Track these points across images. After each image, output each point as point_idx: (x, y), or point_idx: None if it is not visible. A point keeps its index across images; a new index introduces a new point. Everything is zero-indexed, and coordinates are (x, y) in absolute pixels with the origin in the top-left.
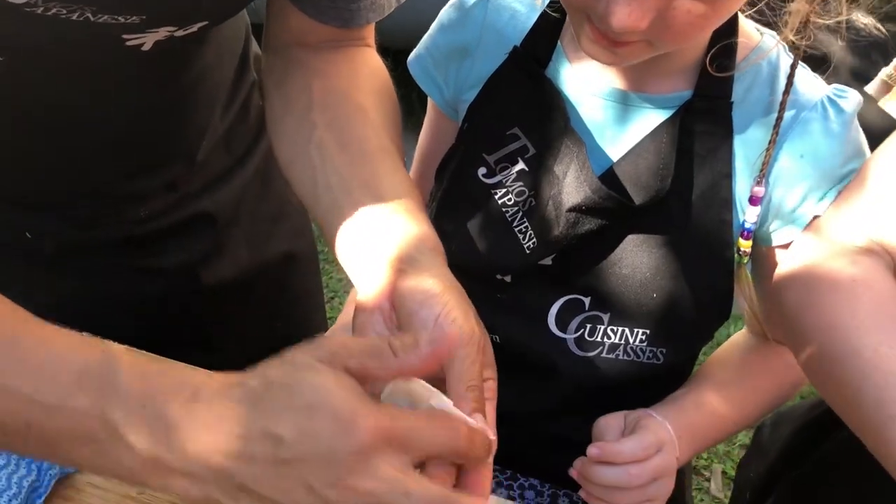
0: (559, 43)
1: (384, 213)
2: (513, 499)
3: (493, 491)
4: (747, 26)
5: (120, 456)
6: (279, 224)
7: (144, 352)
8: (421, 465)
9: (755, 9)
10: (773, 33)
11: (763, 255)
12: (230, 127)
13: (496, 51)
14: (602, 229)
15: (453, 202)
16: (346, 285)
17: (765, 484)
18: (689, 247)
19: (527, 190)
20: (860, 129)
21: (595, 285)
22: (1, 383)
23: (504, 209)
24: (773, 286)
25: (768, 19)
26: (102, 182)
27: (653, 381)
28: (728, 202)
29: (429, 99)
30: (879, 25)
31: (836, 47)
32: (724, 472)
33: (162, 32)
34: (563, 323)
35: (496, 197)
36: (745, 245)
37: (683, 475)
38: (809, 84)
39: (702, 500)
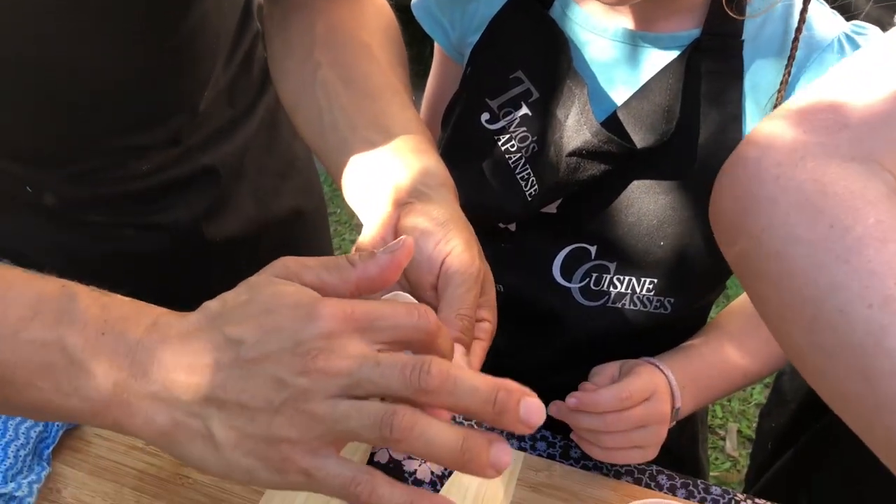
0: None
1: (392, 149)
2: (524, 450)
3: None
4: None
5: (79, 386)
6: (286, 180)
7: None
8: None
9: None
10: None
11: None
12: (233, 79)
13: None
14: (605, 175)
15: (457, 150)
16: None
17: (787, 434)
18: (698, 193)
19: (530, 135)
20: None
21: (601, 233)
22: None
23: (507, 156)
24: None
25: None
26: (102, 135)
27: (660, 332)
28: (738, 145)
29: (435, 44)
30: None
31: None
32: (739, 431)
33: None
34: (568, 272)
35: (499, 143)
36: None
37: (697, 430)
38: (825, 21)
39: (717, 458)
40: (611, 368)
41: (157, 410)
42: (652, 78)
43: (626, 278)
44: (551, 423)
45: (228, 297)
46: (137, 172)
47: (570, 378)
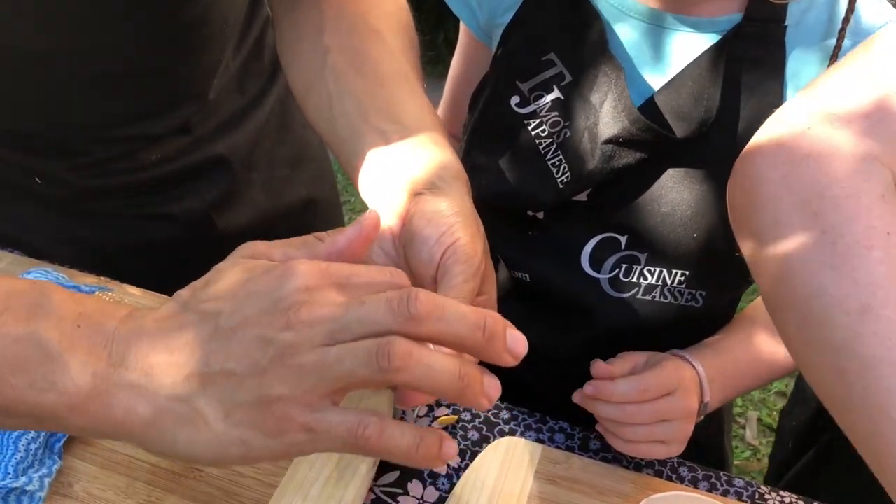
0: None
1: (405, 142)
2: (542, 442)
3: (522, 434)
4: None
5: (56, 381)
6: (299, 169)
7: None
8: None
9: None
10: None
11: None
12: (243, 66)
13: None
14: (640, 163)
15: (485, 134)
16: None
17: (808, 433)
18: None
19: (561, 120)
20: None
21: (632, 223)
22: None
23: (537, 141)
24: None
25: None
26: (110, 124)
27: (690, 326)
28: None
29: (461, 25)
30: None
31: None
32: (759, 419)
33: None
34: (597, 262)
35: (529, 128)
36: None
37: (722, 422)
38: (872, 8)
39: (737, 446)
40: (636, 357)
41: (138, 400)
42: (690, 64)
43: (657, 270)
44: (570, 415)
45: (197, 282)
46: (147, 162)
47: None
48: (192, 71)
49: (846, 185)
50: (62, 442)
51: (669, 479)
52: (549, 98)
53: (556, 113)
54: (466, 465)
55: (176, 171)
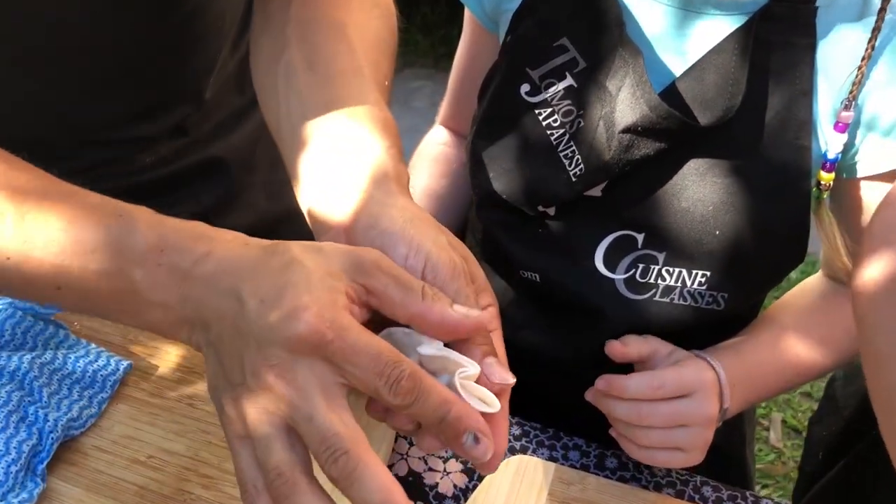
0: None
1: (337, 143)
2: (555, 460)
3: (534, 452)
4: None
5: (139, 309)
6: None
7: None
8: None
9: None
10: None
11: (844, 188)
12: (241, 64)
13: None
14: (659, 154)
15: (492, 124)
16: None
17: (839, 443)
18: (760, 176)
19: (574, 109)
20: None
21: (649, 220)
22: (26, 250)
23: (549, 131)
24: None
25: None
26: (102, 125)
27: (710, 330)
28: (807, 125)
29: (465, 14)
30: None
31: None
32: (784, 421)
33: None
34: (611, 262)
35: (540, 118)
36: (827, 178)
37: (744, 428)
38: None
39: (760, 449)
40: (658, 344)
41: (199, 337)
42: (714, 47)
43: (676, 270)
44: (585, 430)
45: (292, 248)
46: (142, 165)
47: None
48: (186, 70)
49: None
50: (45, 462)
51: (692, 499)
52: (561, 86)
53: (569, 101)
54: (474, 486)
55: (172, 174)
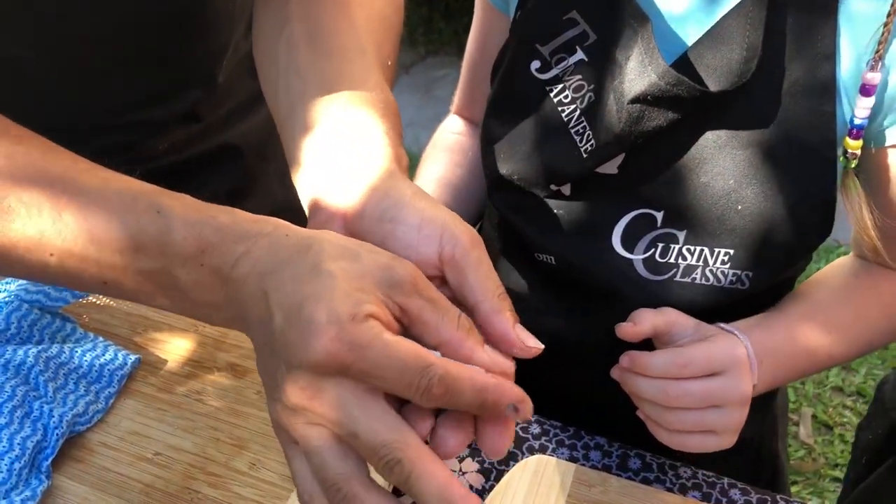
0: None
1: (336, 126)
2: (575, 459)
3: (553, 451)
4: None
5: (187, 306)
6: None
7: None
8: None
9: None
10: None
11: (872, 159)
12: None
13: None
14: (673, 126)
15: (504, 103)
16: None
17: (885, 445)
18: (782, 146)
19: (586, 84)
20: None
21: (668, 197)
22: (67, 248)
23: (560, 108)
24: None
25: None
26: (114, 110)
27: (735, 310)
28: (830, 90)
29: None
30: None
31: None
32: (814, 416)
33: None
34: (630, 242)
35: (551, 94)
36: (854, 146)
37: (776, 419)
38: None
39: (790, 444)
40: (680, 316)
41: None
42: (729, 12)
43: (698, 249)
44: (607, 427)
45: (332, 245)
46: (154, 152)
47: None
48: (199, 51)
49: None
50: (50, 459)
51: (719, 503)
52: (571, 61)
53: (580, 76)
54: (491, 487)
55: (185, 161)
